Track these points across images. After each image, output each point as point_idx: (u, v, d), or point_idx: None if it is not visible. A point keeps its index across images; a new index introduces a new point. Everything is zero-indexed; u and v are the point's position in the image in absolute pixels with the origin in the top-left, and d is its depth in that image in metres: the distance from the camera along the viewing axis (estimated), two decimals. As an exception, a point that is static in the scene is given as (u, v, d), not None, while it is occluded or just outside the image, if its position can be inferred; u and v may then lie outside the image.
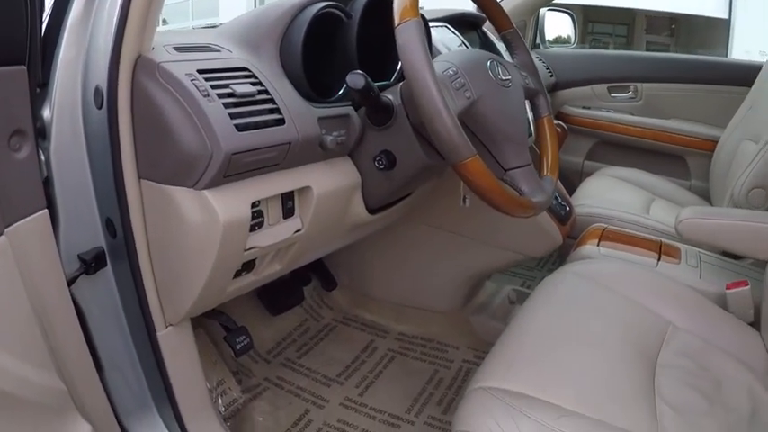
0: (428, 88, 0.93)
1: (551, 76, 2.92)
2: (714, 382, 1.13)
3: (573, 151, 3.00)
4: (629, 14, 14.47)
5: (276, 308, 1.87)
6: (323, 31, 1.13)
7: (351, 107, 1.16)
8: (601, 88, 2.97)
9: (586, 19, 16.07)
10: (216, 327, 1.57)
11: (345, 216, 1.25)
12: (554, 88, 2.99)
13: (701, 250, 1.75)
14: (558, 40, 3.27)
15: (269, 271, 1.18)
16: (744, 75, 2.52)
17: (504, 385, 0.99)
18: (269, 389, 1.65)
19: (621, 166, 2.68)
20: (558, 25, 3.26)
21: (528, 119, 1.39)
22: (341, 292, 2.11)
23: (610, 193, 2.25)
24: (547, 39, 3.18)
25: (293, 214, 1.11)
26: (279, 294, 1.89)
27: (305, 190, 1.10)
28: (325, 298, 2.09)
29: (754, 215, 1.56)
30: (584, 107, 3.00)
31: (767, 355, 1.28)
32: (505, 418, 0.91)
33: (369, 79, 1.03)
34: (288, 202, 1.09)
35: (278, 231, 1.08)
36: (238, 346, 1.44)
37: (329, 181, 1.13)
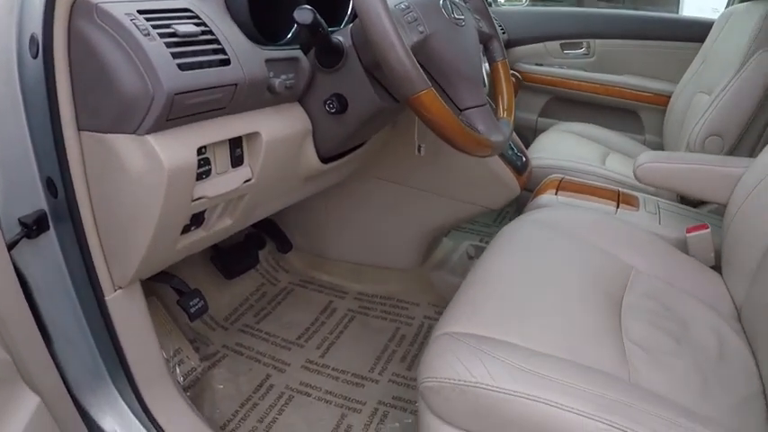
0: (380, 20, 0.90)
1: (504, 33, 2.91)
2: (680, 322, 1.14)
3: (527, 108, 3.01)
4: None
5: (230, 272, 1.82)
6: None
7: (300, 50, 1.12)
8: (554, 45, 2.99)
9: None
10: (170, 295, 1.52)
11: (297, 165, 1.22)
12: (507, 45, 2.97)
13: (659, 199, 1.76)
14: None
15: (220, 226, 1.14)
16: (696, 31, 2.57)
17: (470, 329, 0.97)
18: (228, 356, 1.62)
19: (575, 122, 2.71)
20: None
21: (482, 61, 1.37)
22: (297, 254, 2.08)
23: (565, 147, 2.26)
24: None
25: (242, 163, 1.07)
26: (233, 258, 1.85)
27: (253, 136, 1.06)
28: (281, 261, 2.05)
29: (711, 159, 1.58)
30: (537, 64, 3.00)
31: (730, 296, 1.30)
32: (472, 360, 0.89)
33: (317, 15, 0.99)
34: (236, 150, 1.04)
35: (227, 180, 1.04)
36: (192, 310, 1.41)
37: (278, 127, 1.09)
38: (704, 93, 2.09)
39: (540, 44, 3.00)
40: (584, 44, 2.94)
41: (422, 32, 1.08)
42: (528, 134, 2.88)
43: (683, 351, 1.05)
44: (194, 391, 1.48)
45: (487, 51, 1.38)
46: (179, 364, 1.49)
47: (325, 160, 1.27)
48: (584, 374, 0.89)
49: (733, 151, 1.94)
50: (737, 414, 0.93)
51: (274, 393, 1.51)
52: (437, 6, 1.15)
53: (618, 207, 1.65)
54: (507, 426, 0.85)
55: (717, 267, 1.41)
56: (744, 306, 1.24)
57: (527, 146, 2.29)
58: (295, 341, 1.70)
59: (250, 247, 1.92)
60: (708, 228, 1.46)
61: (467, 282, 1.16)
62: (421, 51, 1.09)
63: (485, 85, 1.56)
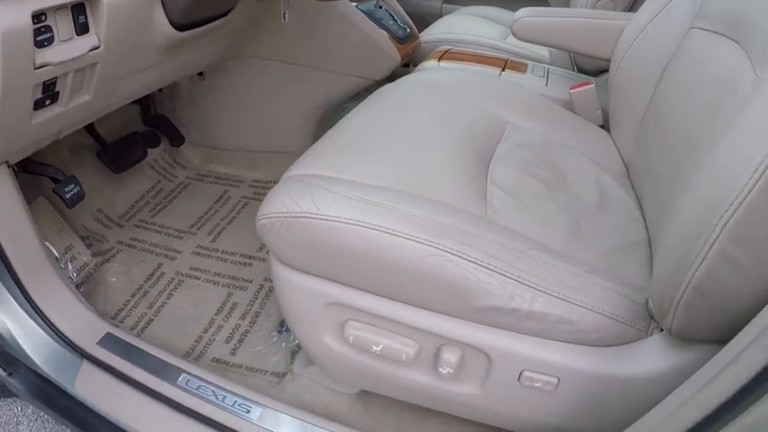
0: None
1: None
2: (557, 172, 1.15)
3: (431, -7, 2.98)
4: None
5: (118, 165, 1.80)
6: None
7: None
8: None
9: None
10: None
11: (149, 32, 1.19)
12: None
13: (549, 65, 1.77)
14: None
15: (78, 101, 1.13)
16: None
17: (311, 171, 0.98)
18: (122, 251, 1.63)
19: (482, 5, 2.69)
20: None
21: None
22: (193, 149, 2.08)
23: (464, 25, 2.25)
24: None
25: (88, 31, 1.04)
26: (119, 152, 1.83)
27: (95, 1, 1.03)
28: (177, 158, 2.05)
29: (593, 13, 1.56)
30: None
31: (618, 153, 1.32)
32: (302, 194, 0.90)
33: None
34: (80, 17, 1.02)
35: (71, 47, 1.01)
36: (68, 195, 1.41)
37: None
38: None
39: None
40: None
41: None
42: (433, 20, 2.86)
43: (556, 197, 1.06)
44: (88, 286, 1.49)
45: None
46: (71, 261, 1.50)
47: (181, 28, 1.25)
48: (421, 204, 0.90)
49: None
50: (613, 257, 0.94)
51: (165, 280, 1.53)
52: None
53: (503, 71, 1.65)
54: (335, 254, 0.87)
55: (606, 126, 1.42)
56: (631, 162, 1.26)
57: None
58: (187, 230, 1.72)
59: (137, 141, 1.89)
60: (592, 84, 1.46)
61: (327, 133, 1.15)
62: None
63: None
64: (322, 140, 1.11)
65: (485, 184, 1.04)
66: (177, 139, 2.02)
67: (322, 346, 0.96)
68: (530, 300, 0.82)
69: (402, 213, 0.86)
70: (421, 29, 2.25)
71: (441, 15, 2.90)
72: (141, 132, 1.95)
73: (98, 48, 1.06)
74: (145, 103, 1.98)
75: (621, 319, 0.83)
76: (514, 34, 1.57)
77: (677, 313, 0.73)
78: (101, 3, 1.03)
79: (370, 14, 1.79)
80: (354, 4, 1.84)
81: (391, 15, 1.83)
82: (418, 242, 0.82)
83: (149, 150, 1.97)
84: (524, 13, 1.56)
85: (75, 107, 1.14)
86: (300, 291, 0.93)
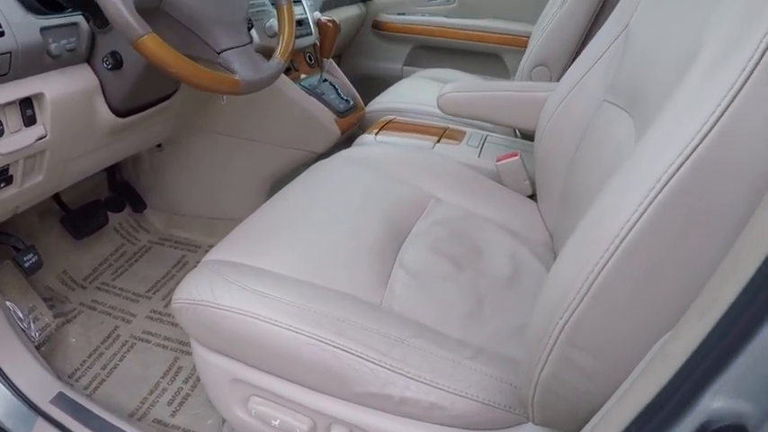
0: None
1: (366, -16, 2.99)
2: (472, 248, 1.19)
3: (391, 58, 3.13)
4: None
5: (79, 232, 1.94)
6: None
7: (81, 16, 1.23)
8: (415, -6, 3.07)
9: None
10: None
11: (93, 120, 1.34)
12: (368, -4, 3.08)
13: (489, 132, 1.84)
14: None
15: (31, 182, 1.28)
16: None
17: (226, 257, 1.08)
18: (83, 312, 1.75)
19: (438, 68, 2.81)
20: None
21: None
22: (156, 213, 2.21)
23: (415, 91, 2.34)
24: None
25: (36, 122, 1.19)
26: (81, 219, 1.97)
27: (39, 97, 1.18)
28: (141, 222, 2.18)
29: (516, 86, 1.63)
30: (399, 13, 3.11)
31: (543, 223, 1.37)
32: (205, 282, 1.00)
33: None
34: (27, 111, 1.17)
35: (20, 138, 1.16)
36: (27, 264, 1.55)
37: (63, 87, 1.21)
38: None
39: (403, -7, 3.07)
40: (445, -9, 3.03)
41: None
42: (393, 83, 2.98)
43: (463, 277, 1.09)
44: (49, 345, 1.60)
45: None
46: (34, 321, 1.61)
47: (122, 114, 1.39)
48: (312, 294, 0.98)
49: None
50: (511, 338, 0.96)
51: (119, 342, 1.65)
52: None
53: (438, 142, 1.73)
54: (232, 339, 0.96)
55: (535, 195, 1.46)
56: (553, 232, 1.31)
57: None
58: (144, 294, 1.84)
59: (99, 208, 2.03)
60: (517, 155, 1.50)
61: (253, 213, 1.25)
62: (160, 6, 1.18)
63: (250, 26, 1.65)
64: (245, 222, 1.21)
65: (391, 266, 1.11)
66: (139, 205, 2.16)
67: (234, 416, 1.04)
68: (402, 387, 0.86)
69: (287, 305, 0.94)
70: (381, 90, 2.37)
71: (401, 77, 2.97)
72: (105, 199, 2.09)
73: (45, 137, 1.21)
74: (110, 171, 2.11)
75: (498, 404, 0.86)
76: (441, 109, 1.65)
77: (534, 407, 0.76)
78: (45, 98, 1.18)
79: (313, 89, 1.92)
80: (304, 75, 2.00)
81: (335, 88, 1.95)
82: (296, 332, 0.90)
83: (114, 215, 2.11)
84: (449, 88, 1.64)
85: (28, 187, 1.28)
86: (211, 366, 1.03)
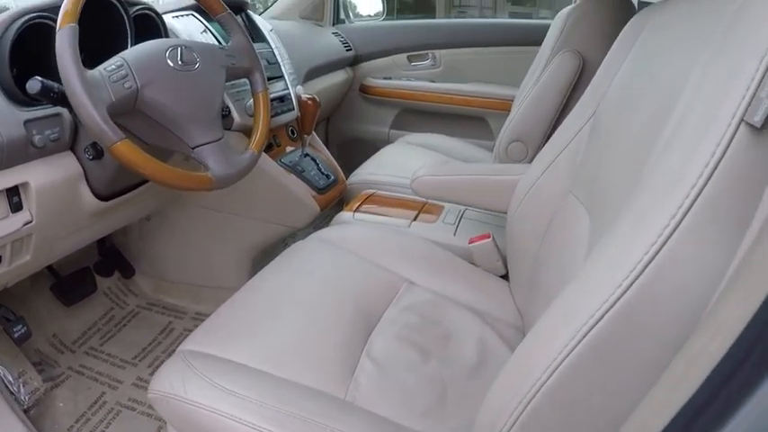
0: (72, 86, 1.09)
1: (349, 50, 3.09)
2: (441, 335, 1.22)
3: (378, 121, 3.21)
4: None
5: (69, 299, 2.02)
6: (36, 38, 1.27)
7: (64, 107, 1.29)
8: (401, 58, 3.19)
9: (450, -9, 16.58)
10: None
11: (77, 205, 1.41)
12: (355, 62, 3.19)
13: (467, 207, 1.87)
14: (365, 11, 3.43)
15: (19, 262, 1.35)
16: (535, 34, 2.67)
17: (197, 347, 1.13)
18: (71, 377, 1.81)
19: (424, 133, 2.87)
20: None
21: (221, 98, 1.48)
22: (144, 279, 2.28)
23: (400, 160, 2.39)
24: (355, 13, 3.37)
25: (22, 208, 1.27)
26: (70, 286, 2.04)
27: (25, 185, 1.25)
28: (131, 286, 2.25)
29: (488, 168, 1.66)
30: (385, 78, 3.19)
31: (514, 304, 1.38)
32: (177, 375, 1.05)
33: (46, 82, 1.15)
34: (14, 198, 1.24)
35: (7, 224, 1.24)
36: (16, 335, 1.63)
37: (47, 176, 1.28)
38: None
39: (389, 58, 3.21)
40: (430, 55, 3.15)
41: (129, 87, 1.21)
42: (382, 146, 2.95)
43: (429, 367, 1.12)
44: (38, 409, 1.67)
45: (251, 83, 1.56)
46: (23, 385, 1.67)
47: (105, 198, 1.46)
48: (276, 390, 1.02)
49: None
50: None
51: (105, 409, 1.71)
52: (160, 58, 1.30)
53: (415, 219, 1.78)
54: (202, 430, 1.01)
55: (507, 276, 1.48)
56: (524, 312, 1.31)
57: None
58: (131, 361, 1.90)
59: (88, 275, 2.11)
60: (489, 237, 1.52)
61: (230, 299, 1.30)
62: (135, 105, 1.24)
63: (226, 113, 1.75)
64: (220, 311, 1.26)
65: (358, 356, 1.14)
66: (128, 271, 2.24)
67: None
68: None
69: (252, 402, 0.98)
70: (367, 154, 2.45)
71: (388, 141, 3.10)
72: (95, 264, 2.18)
73: (31, 222, 1.29)
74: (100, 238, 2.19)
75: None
76: (414, 191, 1.69)
77: None
78: (30, 187, 1.26)
79: (293, 166, 1.98)
80: (290, 148, 2.07)
81: (316, 164, 2.01)
82: (259, 430, 0.95)
83: (103, 279, 2.19)
84: (423, 172, 1.67)
85: (17, 266, 1.36)
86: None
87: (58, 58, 1.10)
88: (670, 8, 1.03)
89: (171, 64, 1.31)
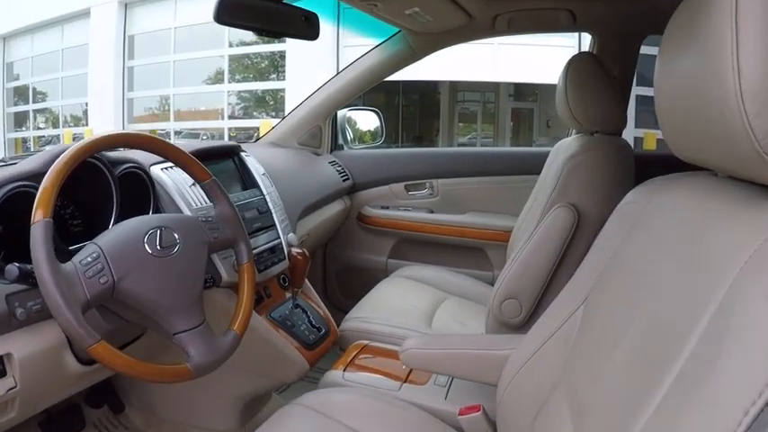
0: (45, 285, 1.13)
1: (346, 179, 3.14)
2: None
3: (376, 251, 3.24)
4: (496, 83, 15.64)
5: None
6: (19, 208, 1.28)
7: None
8: (398, 187, 3.24)
9: (455, 89, 17.14)
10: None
11: (60, 370, 1.42)
12: (352, 190, 3.24)
13: None
14: (364, 138, 3.49)
15: (4, 419, 1.38)
16: (533, 164, 2.67)
17: None
18: None
19: (423, 263, 2.94)
20: (366, 121, 3.48)
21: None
22: (135, 412, 2.28)
23: (396, 300, 2.41)
24: (352, 138, 3.40)
25: (6, 375, 1.28)
26: (61, 423, 2.05)
27: (8, 356, 1.26)
28: (121, 419, 2.27)
29: (480, 341, 1.70)
30: (383, 207, 3.24)
31: None
32: None
33: (23, 267, 1.19)
34: None
35: None
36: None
37: (30, 346, 1.30)
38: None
39: (386, 186, 3.25)
40: (428, 184, 3.20)
41: (104, 282, 1.24)
42: (380, 276, 2.99)
43: None
44: None
45: (235, 254, 1.59)
46: None
47: (89, 362, 1.45)
48: None
49: (531, 315, 1.93)
50: None
51: None
52: (138, 245, 1.33)
53: (405, 381, 1.77)
54: None
55: None
56: None
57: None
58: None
59: (77, 413, 2.13)
60: (479, 410, 1.48)
61: None
62: (115, 296, 1.27)
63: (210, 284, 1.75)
64: None
65: None
66: (117, 406, 2.26)
67: None
68: None
69: None
70: (364, 284, 2.50)
71: (386, 270, 3.12)
72: (85, 396, 2.18)
73: (15, 387, 1.31)
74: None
75: None
76: (405, 364, 1.67)
77: None
78: (13, 357, 1.29)
79: (283, 321, 2.01)
80: (281, 300, 2.07)
81: (307, 315, 2.04)
82: None
83: (94, 410, 2.21)
84: (410, 344, 1.64)
85: (1, 423, 1.38)
86: None
87: (32, 253, 1.15)
88: (674, 189, 1.04)
89: (149, 251, 1.34)
